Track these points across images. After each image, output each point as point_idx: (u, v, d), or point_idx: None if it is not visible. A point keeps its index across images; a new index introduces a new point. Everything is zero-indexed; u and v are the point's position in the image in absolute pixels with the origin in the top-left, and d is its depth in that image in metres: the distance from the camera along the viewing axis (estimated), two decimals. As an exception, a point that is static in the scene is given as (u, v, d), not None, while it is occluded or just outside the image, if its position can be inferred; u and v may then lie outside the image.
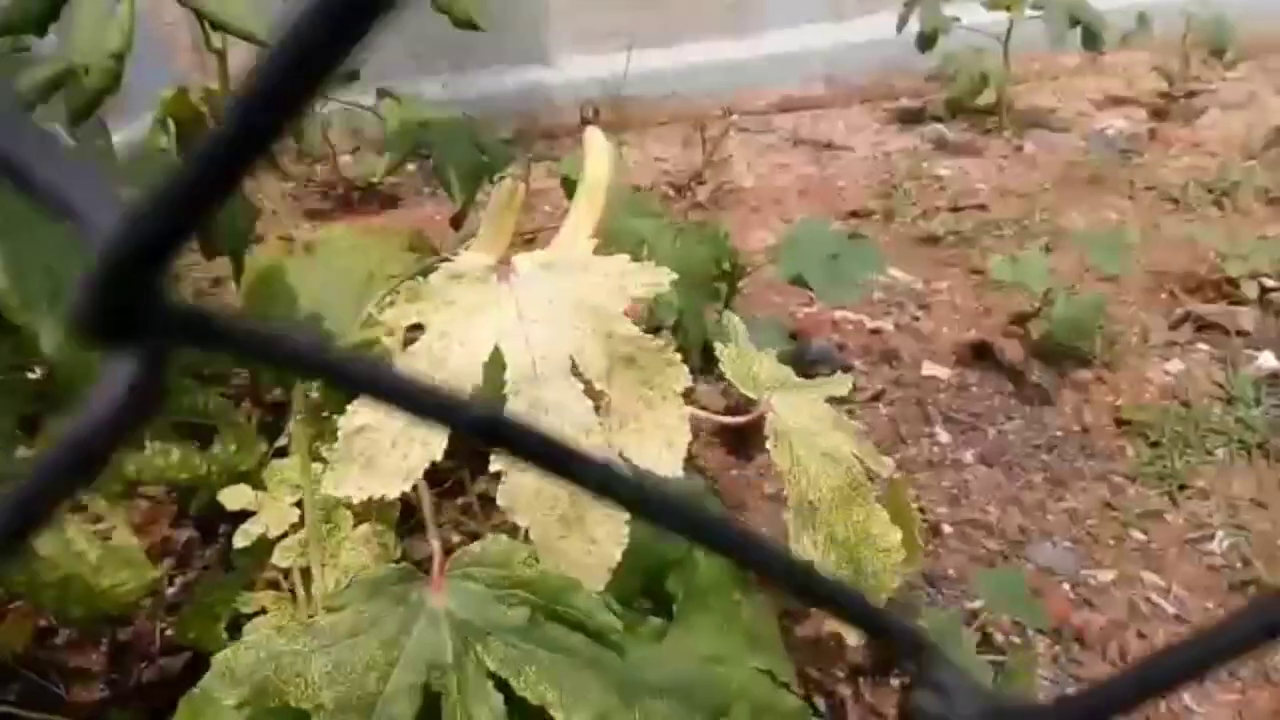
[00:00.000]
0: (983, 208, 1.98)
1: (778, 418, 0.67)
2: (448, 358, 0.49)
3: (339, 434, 0.50)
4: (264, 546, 0.88)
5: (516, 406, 0.48)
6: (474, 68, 2.37)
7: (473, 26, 0.96)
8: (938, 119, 2.34)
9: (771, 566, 0.14)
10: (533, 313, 0.50)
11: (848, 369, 1.50)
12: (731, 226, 1.99)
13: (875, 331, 1.59)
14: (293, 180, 2.28)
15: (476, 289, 0.50)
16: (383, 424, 0.50)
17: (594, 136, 0.66)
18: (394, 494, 0.49)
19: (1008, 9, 2.04)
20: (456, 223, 1.29)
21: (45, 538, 0.74)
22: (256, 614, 0.92)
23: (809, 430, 0.68)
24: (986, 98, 2.22)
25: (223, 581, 0.96)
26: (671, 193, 2.14)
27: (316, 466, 0.78)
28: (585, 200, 0.66)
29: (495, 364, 0.49)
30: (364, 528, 0.85)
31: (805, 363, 1.49)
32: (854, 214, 2.00)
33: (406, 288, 0.49)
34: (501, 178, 0.63)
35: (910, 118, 2.40)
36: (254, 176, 1.16)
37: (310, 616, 0.82)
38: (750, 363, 0.73)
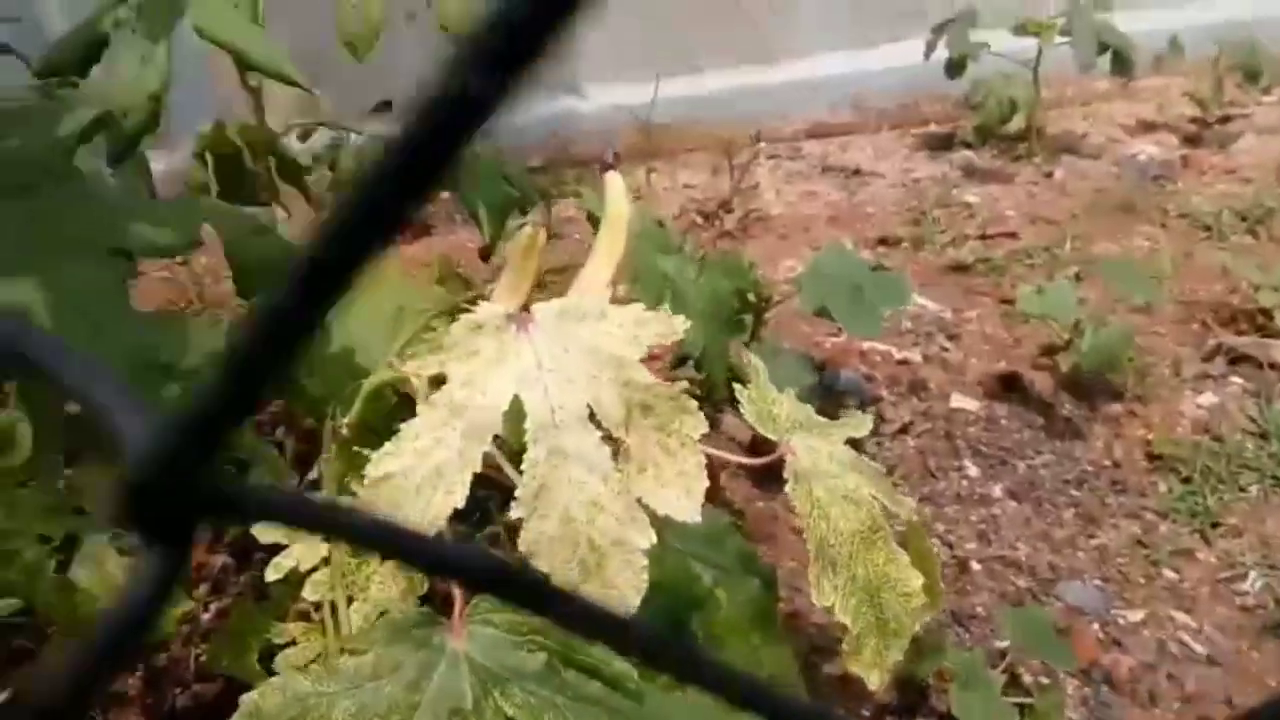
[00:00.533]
0: (1013, 235, 1.97)
1: (797, 460, 0.67)
2: (469, 406, 0.50)
3: (365, 481, 0.51)
4: (296, 577, 0.90)
5: (536, 454, 0.49)
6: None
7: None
8: (967, 145, 2.34)
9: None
10: (551, 362, 0.51)
11: (875, 400, 1.49)
12: (759, 254, 1.99)
13: (903, 362, 1.58)
14: (323, 208, 2.32)
15: (497, 339, 0.52)
16: (408, 471, 0.51)
17: (613, 181, 0.67)
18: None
19: (1037, 35, 2.04)
20: (485, 255, 1.31)
21: (85, 570, 0.76)
22: (288, 644, 0.93)
23: (829, 472, 0.69)
24: (1016, 123, 2.21)
25: (255, 611, 0.98)
26: (700, 220, 2.16)
27: (346, 501, 0.79)
28: (605, 245, 0.67)
29: (515, 412, 0.50)
30: (392, 562, 0.86)
31: (833, 394, 1.49)
32: (882, 241, 2.00)
33: (431, 338, 0.51)
34: (522, 224, 0.65)
35: (939, 144, 2.40)
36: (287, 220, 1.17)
37: (341, 652, 0.83)
38: (770, 403, 0.73)
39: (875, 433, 1.45)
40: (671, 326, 0.53)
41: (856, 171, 2.32)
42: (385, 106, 2.11)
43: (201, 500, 0.12)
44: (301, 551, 0.87)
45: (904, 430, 1.45)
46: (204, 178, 1.40)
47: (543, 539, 0.52)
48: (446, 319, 0.99)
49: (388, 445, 0.50)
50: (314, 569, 0.87)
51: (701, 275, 0.92)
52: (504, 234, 1.25)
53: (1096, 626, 1.14)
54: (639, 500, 0.53)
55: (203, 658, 1.15)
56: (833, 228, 2.08)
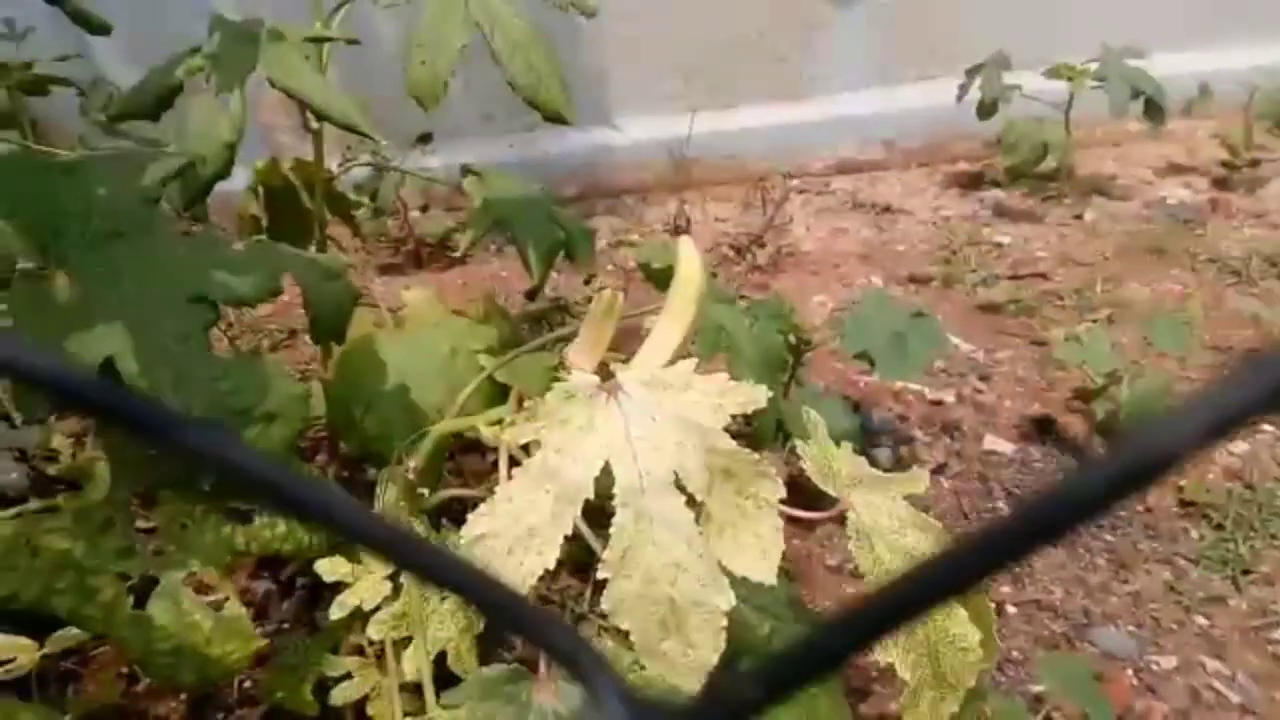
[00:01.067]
0: (1043, 276, 1.99)
1: (859, 517, 0.70)
2: (561, 471, 0.53)
3: (460, 539, 0.54)
4: (353, 613, 0.92)
5: (624, 518, 0.52)
6: (541, 129, 2.44)
7: (562, 121, 1.02)
8: (996, 184, 2.37)
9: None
10: (640, 430, 0.54)
11: (909, 441, 1.52)
12: (791, 289, 2.02)
13: (936, 403, 1.61)
14: (365, 236, 2.36)
15: (588, 407, 0.55)
16: (501, 532, 0.54)
17: (685, 244, 0.70)
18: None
19: (1069, 80, 2.07)
20: (532, 295, 1.34)
21: (161, 606, 0.79)
22: (342, 678, 0.96)
23: (889, 529, 0.71)
24: (1047, 164, 2.23)
25: (309, 644, 1.01)
26: (731, 254, 2.19)
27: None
28: (676, 307, 0.70)
29: (605, 477, 0.53)
30: (450, 601, 0.89)
31: (867, 434, 1.52)
32: (913, 279, 2.03)
33: (527, 408, 0.54)
34: (603, 288, 0.68)
35: (969, 182, 2.43)
36: (327, 234, 1.21)
37: (401, 687, 0.86)
38: (830, 459, 0.76)
39: (903, 467, 1.47)
40: (752, 396, 0.56)
41: (887, 209, 2.35)
42: (426, 139, 2.15)
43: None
44: (365, 590, 0.90)
45: (938, 471, 1.47)
46: (255, 210, 1.44)
47: (627, 598, 0.55)
48: (498, 358, 1.02)
49: (482, 507, 0.53)
50: (377, 608, 0.90)
51: (754, 326, 0.94)
52: (549, 270, 1.29)
53: (1130, 672, 1.15)
54: (719, 563, 0.56)
55: (246, 684, 1.18)
56: (864, 265, 2.11)
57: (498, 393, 1.02)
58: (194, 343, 0.78)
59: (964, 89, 2.18)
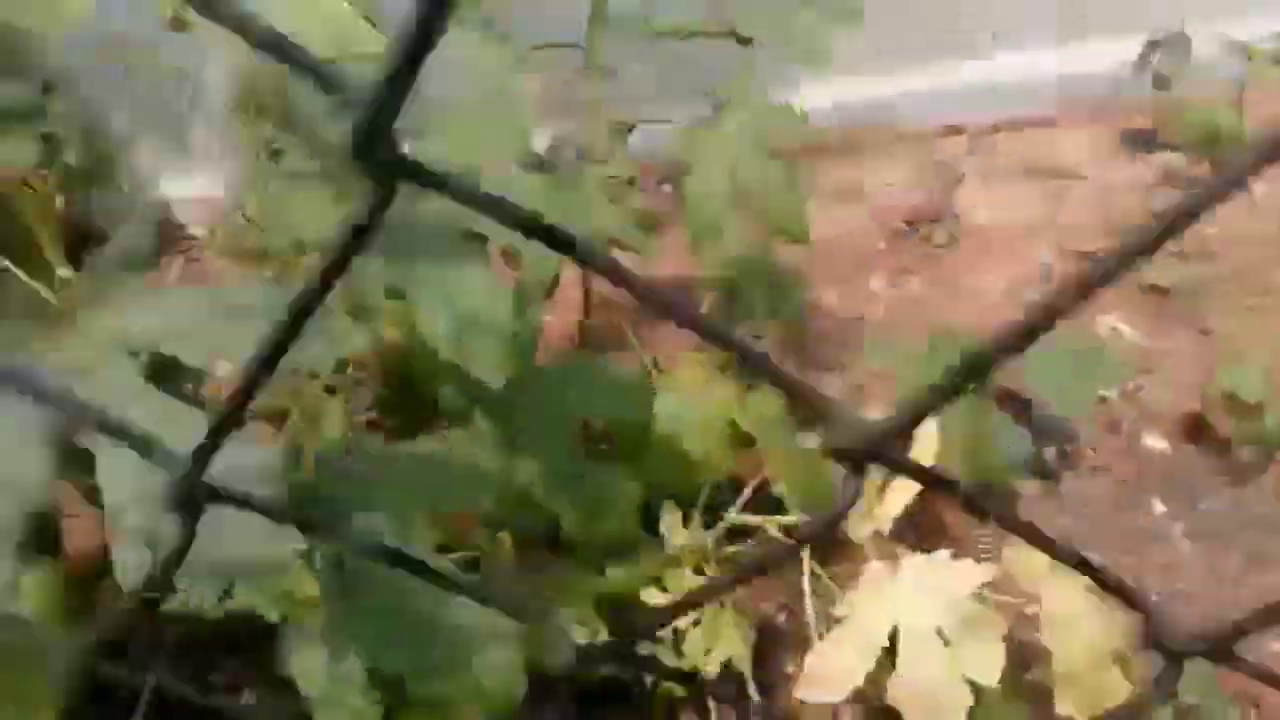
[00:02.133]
0: (1212, 256, 2.12)
1: (1052, 612, 0.99)
2: (860, 633, 0.84)
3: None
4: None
5: (910, 671, 0.84)
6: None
7: (803, 239, 1.27)
8: (1171, 147, 2.44)
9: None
10: (915, 599, 0.84)
11: (1073, 438, 1.76)
12: (962, 269, 2.23)
13: (1100, 399, 1.82)
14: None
15: (877, 586, 0.85)
16: (825, 676, 0.86)
17: (924, 428, 0.98)
18: None
19: (1249, 59, 2.12)
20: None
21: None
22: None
23: (1080, 613, 1.00)
24: (1221, 136, 2.30)
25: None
26: (904, 226, 2.38)
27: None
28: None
29: (893, 641, 0.84)
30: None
31: (1036, 433, 1.76)
32: (1083, 254, 2.19)
33: (847, 595, 0.85)
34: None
35: (1141, 143, 2.51)
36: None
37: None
38: (1025, 560, 1.04)
39: (1071, 469, 1.72)
40: (983, 574, 0.85)
41: (1057, 174, 2.47)
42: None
43: (399, 156, 0.24)
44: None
45: (1097, 468, 1.71)
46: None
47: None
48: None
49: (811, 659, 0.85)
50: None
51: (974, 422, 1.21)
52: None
53: (1250, 658, 1.42)
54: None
55: None
56: (1034, 239, 2.27)
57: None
58: (577, 458, 1.10)
59: (1142, 62, 2.25)
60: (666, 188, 2.39)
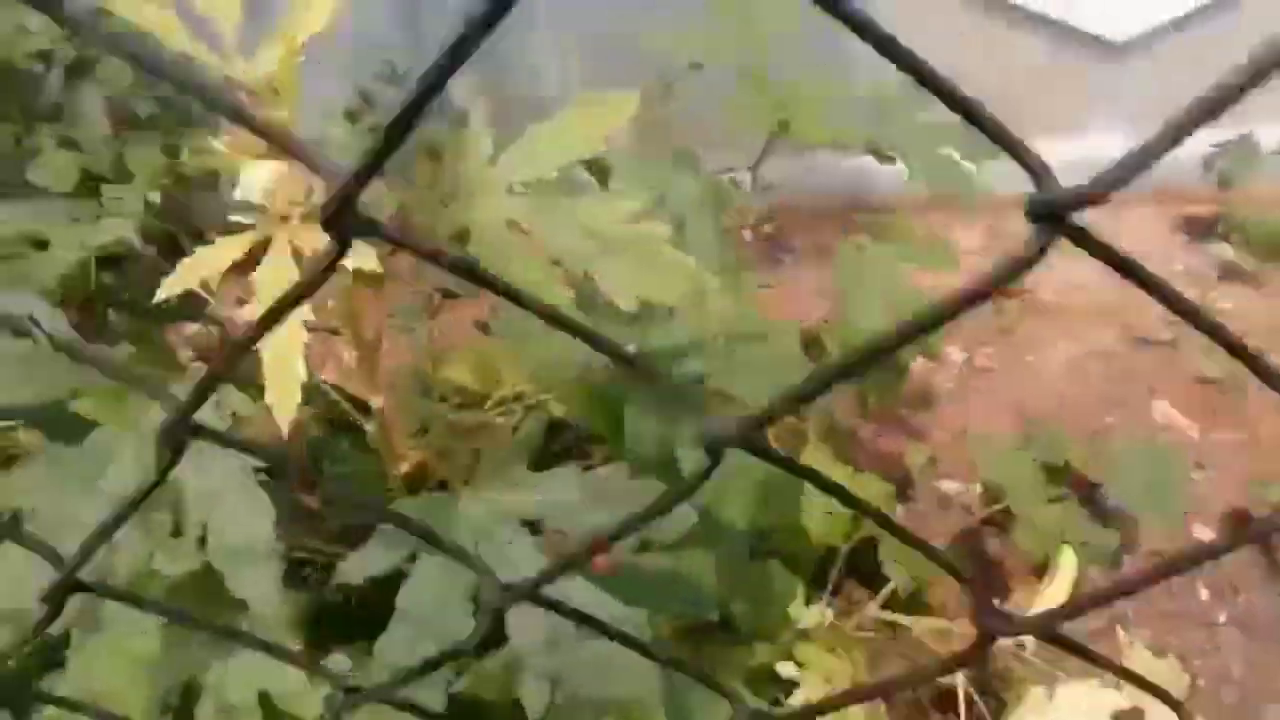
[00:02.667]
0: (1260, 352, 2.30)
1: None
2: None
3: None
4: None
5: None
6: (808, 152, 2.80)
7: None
8: (1225, 237, 2.62)
9: None
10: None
11: (1134, 523, 1.95)
12: (1031, 342, 2.41)
13: (1156, 487, 2.02)
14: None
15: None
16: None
17: (1065, 556, 1.17)
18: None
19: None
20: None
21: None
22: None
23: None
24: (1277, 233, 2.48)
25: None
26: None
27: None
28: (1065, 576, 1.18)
29: None
30: None
31: (1100, 512, 1.96)
32: (1144, 340, 2.38)
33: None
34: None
35: (1201, 230, 2.68)
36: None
37: None
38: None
39: (1129, 552, 1.92)
40: (1117, 701, 1.05)
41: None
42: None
43: (361, 220, 0.28)
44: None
45: (1151, 553, 1.91)
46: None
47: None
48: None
49: None
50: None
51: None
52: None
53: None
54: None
55: None
56: (1099, 319, 2.46)
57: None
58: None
59: (1209, 164, 2.43)
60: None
